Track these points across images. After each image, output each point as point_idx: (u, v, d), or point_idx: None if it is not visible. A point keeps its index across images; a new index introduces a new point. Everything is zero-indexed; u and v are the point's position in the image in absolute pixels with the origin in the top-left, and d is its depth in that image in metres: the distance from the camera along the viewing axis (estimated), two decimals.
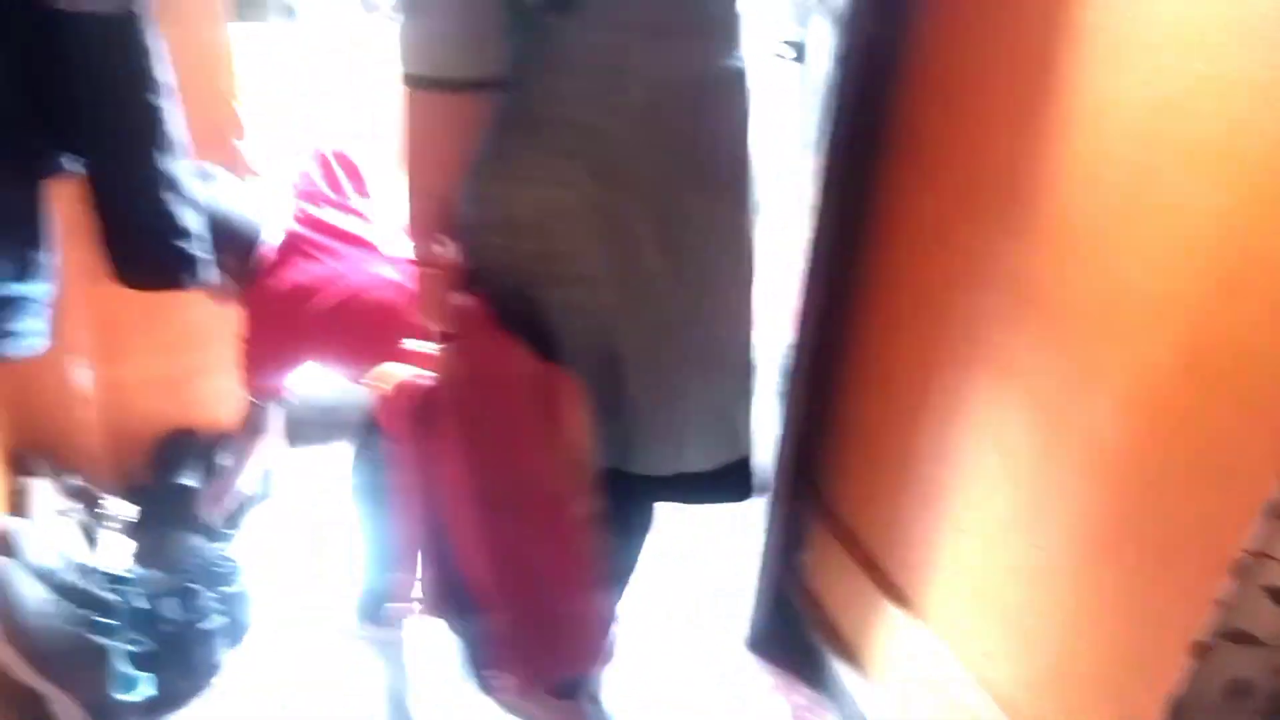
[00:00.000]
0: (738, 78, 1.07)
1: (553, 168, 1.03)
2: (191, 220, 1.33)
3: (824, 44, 1.35)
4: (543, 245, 1.05)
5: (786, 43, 1.41)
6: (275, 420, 1.70)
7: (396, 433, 1.11)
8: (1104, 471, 1.09)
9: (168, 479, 1.89)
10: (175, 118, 1.27)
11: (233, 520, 1.86)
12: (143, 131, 1.23)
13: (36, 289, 1.34)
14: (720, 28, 1.05)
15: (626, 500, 1.21)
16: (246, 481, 1.79)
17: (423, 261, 1.09)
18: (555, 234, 1.05)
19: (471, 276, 1.08)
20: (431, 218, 1.06)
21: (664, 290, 1.09)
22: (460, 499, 1.10)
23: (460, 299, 1.06)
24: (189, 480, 1.88)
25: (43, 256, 1.33)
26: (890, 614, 1.49)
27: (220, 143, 1.71)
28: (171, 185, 1.28)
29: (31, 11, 1.14)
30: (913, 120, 1.39)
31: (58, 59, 1.17)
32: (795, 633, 1.76)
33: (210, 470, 1.88)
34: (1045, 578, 1.18)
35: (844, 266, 1.51)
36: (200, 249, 1.35)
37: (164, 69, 1.23)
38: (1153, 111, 1.00)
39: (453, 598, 1.19)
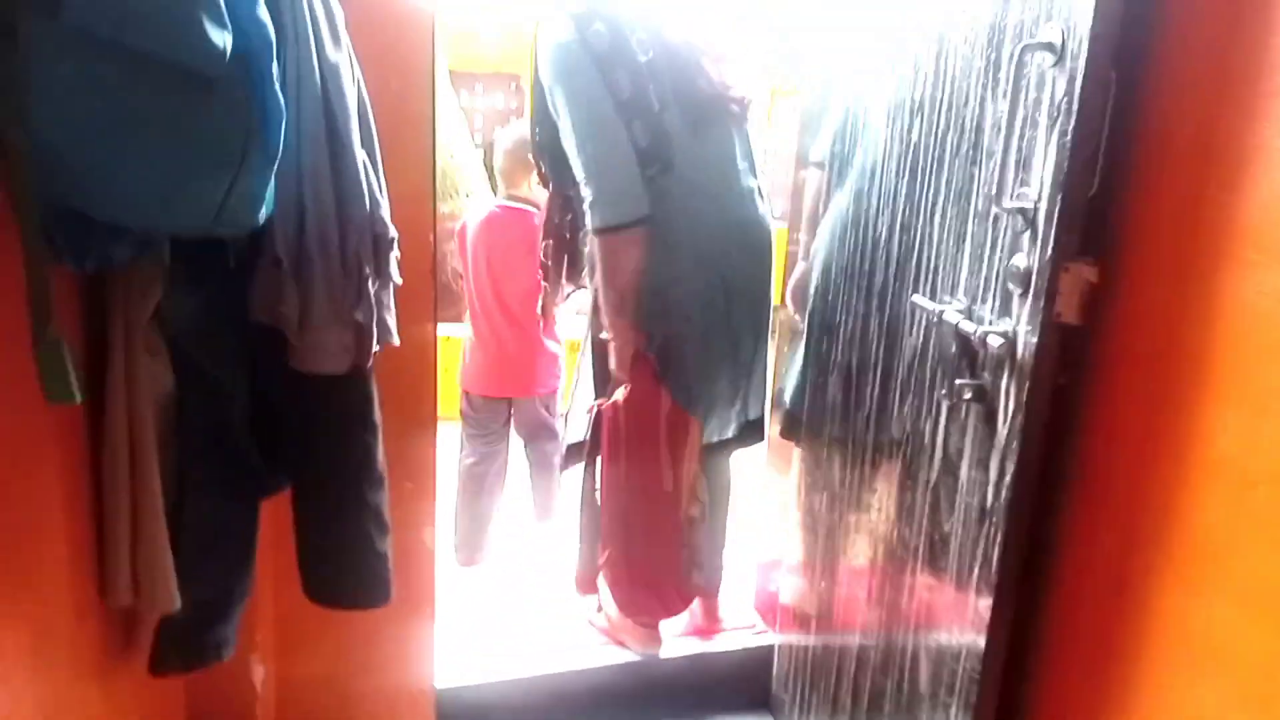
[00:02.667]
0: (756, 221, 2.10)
1: (669, 262, 1.94)
2: (387, 545, 1.40)
3: (1010, 391, 1.35)
4: (669, 305, 1.95)
5: (967, 385, 1.42)
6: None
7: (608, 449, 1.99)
8: None
9: None
10: (383, 453, 1.37)
11: None
12: (357, 468, 1.33)
13: (240, 601, 1.42)
14: (748, 195, 2.06)
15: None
16: None
17: (616, 336, 1.99)
18: (673, 298, 1.96)
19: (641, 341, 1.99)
20: (622, 309, 1.96)
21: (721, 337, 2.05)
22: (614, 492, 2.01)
23: (637, 357, 1.98)
24: None
25: (250, 571, 1.42)
26: None
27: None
28: (376, 515, 1.36)
29: (268, 361, 1.28)
30: (1092, 464, 1.38)
31: (290, 403, 1.30)
32: None
33: None
34: None
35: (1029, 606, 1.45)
36: (390, 571, 1.42)
37: (378, 413, 1.34)
38: None
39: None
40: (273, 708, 1.87)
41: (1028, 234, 1.32)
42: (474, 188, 4.72)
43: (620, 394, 2.00)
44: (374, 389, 1.34)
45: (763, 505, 2.49)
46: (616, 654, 2.32)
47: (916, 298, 1.60)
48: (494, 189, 4.95)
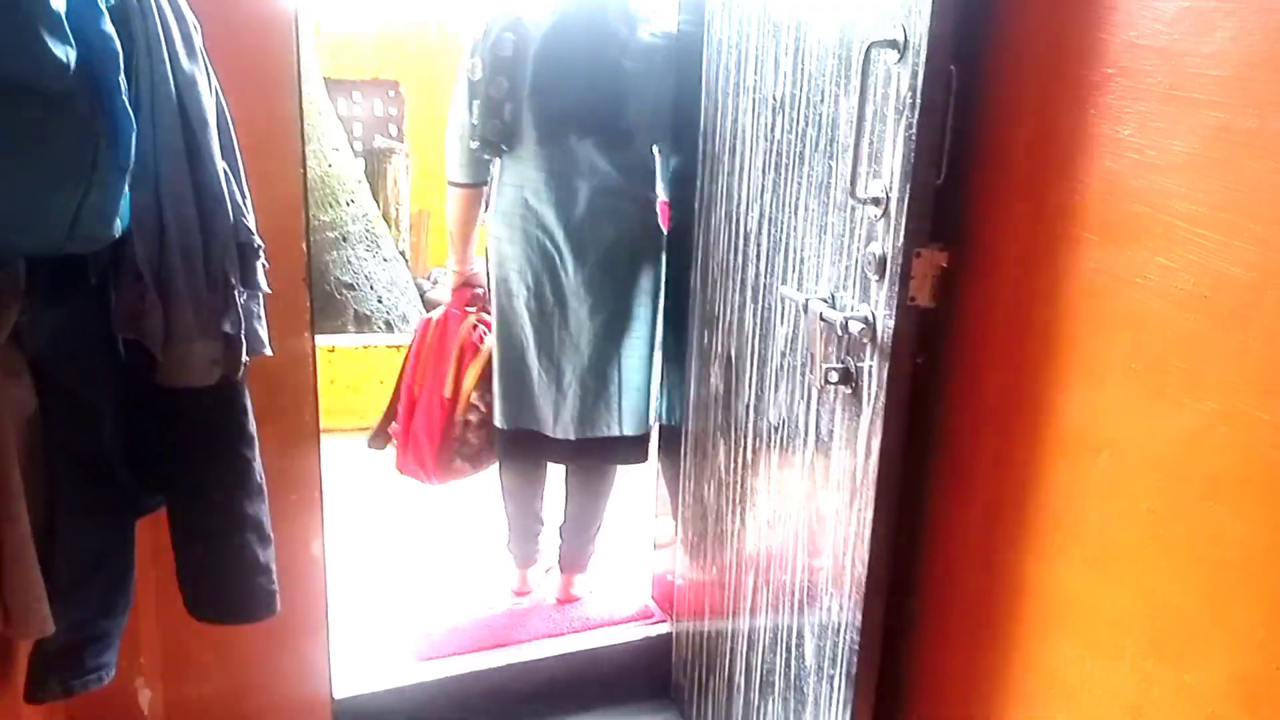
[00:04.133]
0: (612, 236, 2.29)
1: (500, 230, 2.32)
2: (270, 558, 1.39)
3: (872, 372, 1.42)
4: (498, 264, 2.34)
5: (833, 369, 1.49)
6: None
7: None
8: None
9: None
10: (260, 465, 1.36)
11: None
12: (234, 481, 1.32)
13: (118, 622, 1.38)
14: (607, 197, 2.27)
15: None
16: None
17: (450, 266, 2.54)
18: (497, 259, 2.35)
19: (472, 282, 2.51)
20: (453, 246, 2.49)
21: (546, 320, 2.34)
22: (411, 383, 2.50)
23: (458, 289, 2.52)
24: None
25: (128, 592, 1.39)
26: None
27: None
28: (256, 528, 1.35)
29: (135, 377, 1.26)
30: (953, 440, 1.47)
31: (159, 419, 1.28)
32: None
33: None
34: None
35: (901, 572, 1.53)
36: (275, 584, 1.40)
37: (253, 423, 1.33)
38: (1176, 443, 1.06)
39: None
40: None
41: (882, 223, 1.40)
42: (356, 196, 4.65)
43: (437, 313, 2.51)
44: (247, 400, 1.32)
45: (656, 494, 2.54)
46: (515, 654, 2.34)
47: (784, 289, 1.66)
48: (375, 197, 4.92)
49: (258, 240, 1.24)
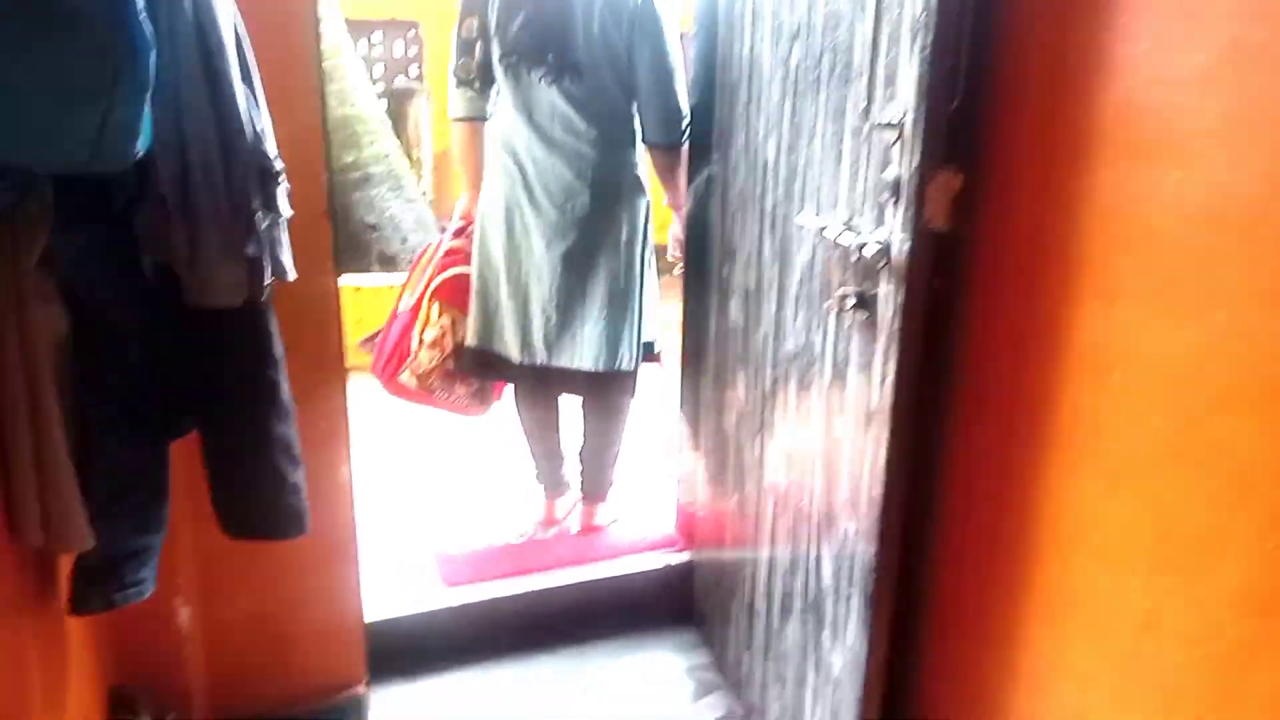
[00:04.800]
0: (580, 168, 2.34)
1: (488, 164, 2.43)
2: (299, 477, 1.43)
3: (888, 297, 1.43)
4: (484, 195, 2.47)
5: (849, 295, 1.49)
6: None
7: None
8: (1178, 714, 1.06)
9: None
10: (288, 386, 1.40)
11: None
12: (262, 402, 1.36)
13: (155, 540, 1.44)
14: (549, 136, 2.33)
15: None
16: None
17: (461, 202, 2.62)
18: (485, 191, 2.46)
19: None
20: (463, 180, 2.58)
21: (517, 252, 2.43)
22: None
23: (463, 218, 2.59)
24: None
25: (162, 510, 1.44)
26: None
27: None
28: (285, 447, 1.39)
29: (162, 300, 1.29)
30: (970, 363, 1.48)
31: (187, 339, 1.32)
32: None
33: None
34: None
35: (919, 486, 1.55)
36: (304, 503, 1.45)
37: (280, 345, 1.37)
38: (1186, 359, 1.07)
39: None
40: (201, 649, 1.89)
41: (897, 147, 1.39)
42: (378, 137, 4.66)
43: (444, 238, 2.62)
44: (273, 324, 1.36)
45: (679, 427, 2.57)
46: (540, 580, 2.40)
47: (801, 217, 1.66)
48: (397, 138, 4.93)
49: (279, 164, 1.27)
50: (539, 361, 2.44)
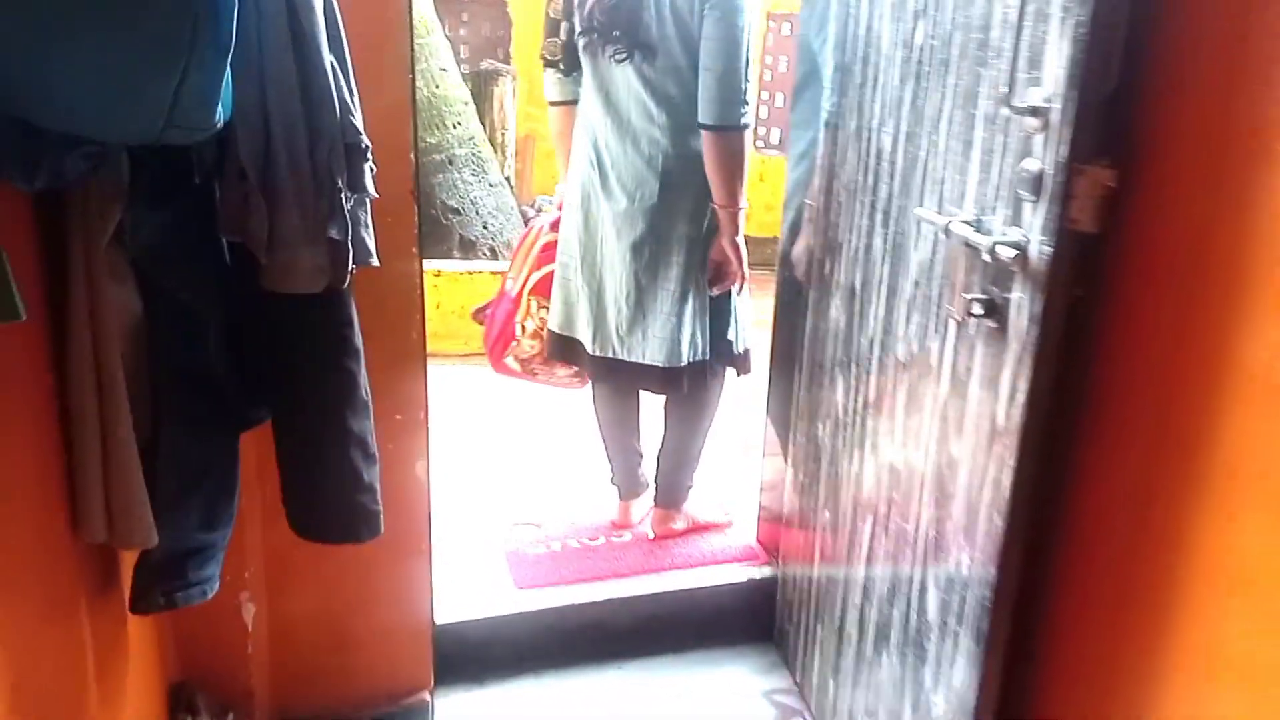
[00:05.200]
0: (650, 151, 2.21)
1: (575, 147, 2.36)
2: (374, 476, 1.34)
3: (1022, 305, 1.29)
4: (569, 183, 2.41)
5: (976, 300, 1.35)
6: None
7: None
8: None
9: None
10: (366, 378, 1.31)
11: None
12: (338, 395, 1.27)
13: (222, 536, 1.37)
14: (624, 120, 2.23)
15: None
16: None
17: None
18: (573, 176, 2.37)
19: None
20: (562, 165, 2.51)
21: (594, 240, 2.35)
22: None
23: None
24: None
25: (231, 506, 1.37)
26: None
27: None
28: (361, 445, 1.30)
29: (241, 283, 1.21)
30: (1108, 380, 1.32)
31: (264, 328, 1.24)
32: None
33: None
34: None
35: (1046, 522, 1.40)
36: (378, 504, 1.36)
37: (359, 335, 1.28)
38: None
39: None
40: (266, 646, 1.83)
41: (1040, 136, 1.25)
42: (462, 119, 4.60)
43: (544, 228, 2.54)
44: (354, 311, 1.27)
45: (764, 432, 2.45)
46: (614, 588, 2.29)
47: (921, 210, 1.52)
48: (481, 120, 4.86)
49: (365, 140, 1.17)
50: (611, 354, 2.34)
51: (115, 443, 1.18)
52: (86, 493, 1.18)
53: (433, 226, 4.29)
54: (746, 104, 2.11)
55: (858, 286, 1.79)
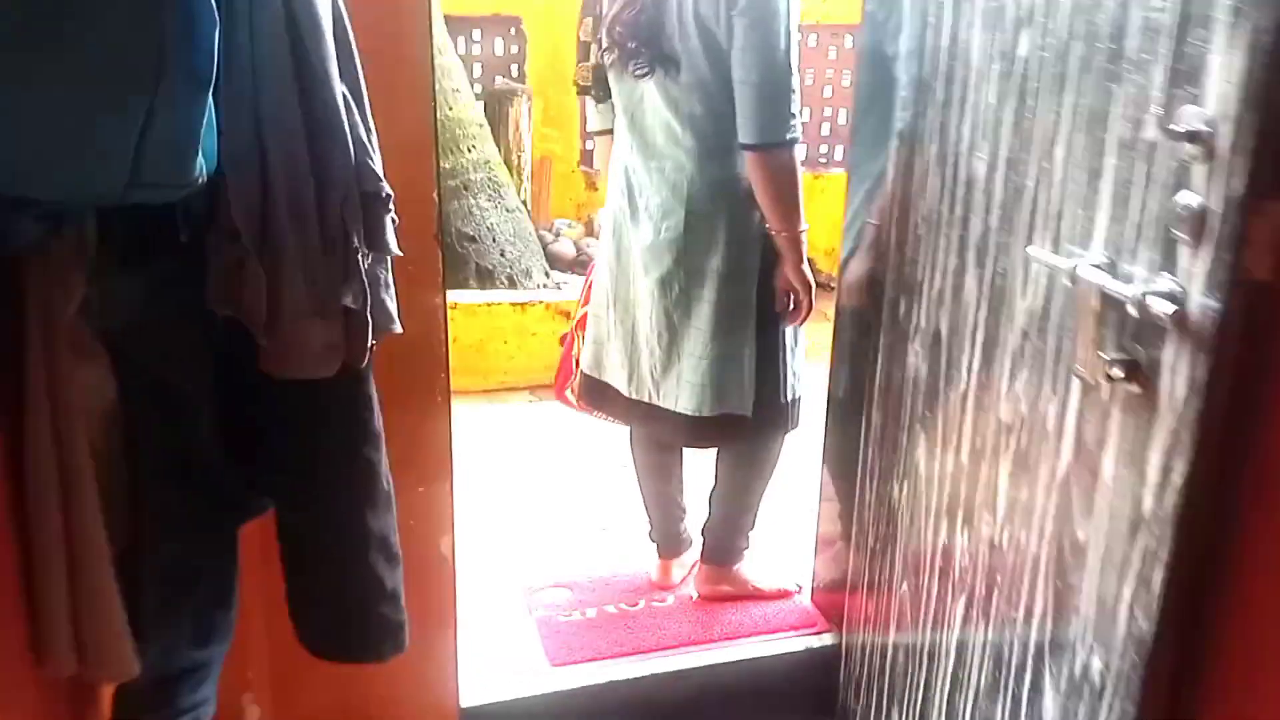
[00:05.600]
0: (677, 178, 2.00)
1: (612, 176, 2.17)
2: (397, 581, 1.13)
3: (1178, 369, 1.07)
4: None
5: (1115, 360, 1.13)
6: None
7: None
8: None
9: None
10: (387, 470, 1.09)
11: None
12: (357, 491, 1.05)
13: (217, 652, 1.15)
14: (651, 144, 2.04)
15: None
16: None
17: None
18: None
19: None
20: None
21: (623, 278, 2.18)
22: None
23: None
24: None
25: (228, 616, 1.15)
26: None
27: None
28: (383, 547, 1.09)
29: (237, 359, 1.00)
30: (1273, 451, 1.10)
31: (266, 415, 1.02)
32: None
33: None
34: None
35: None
36: (403, 614, 1.15)
37: (378, 419, 1.06)
38: None
39: None
40: None
41: (1202, 167, 1.03)
42: (477, 142, 4.39)
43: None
44: (372, 390, 1.05)
45: (820, 487, 2.22)
46: (657, 663, 2.07)
47: (1033, 250, 1.30)
48: (495, 142, 4.66)
49: (386, 188, 0.95)
50: (647, 398, 2.12)
51: (86, 556, 0.97)
52: (50, 618, 0.97)
53: (448, 255, 4.08)
54: (794, 116, 1.88)
55: (944, 333, 1.57)
